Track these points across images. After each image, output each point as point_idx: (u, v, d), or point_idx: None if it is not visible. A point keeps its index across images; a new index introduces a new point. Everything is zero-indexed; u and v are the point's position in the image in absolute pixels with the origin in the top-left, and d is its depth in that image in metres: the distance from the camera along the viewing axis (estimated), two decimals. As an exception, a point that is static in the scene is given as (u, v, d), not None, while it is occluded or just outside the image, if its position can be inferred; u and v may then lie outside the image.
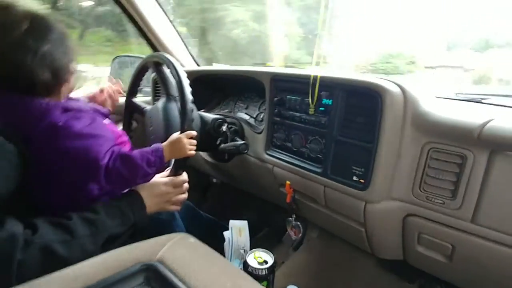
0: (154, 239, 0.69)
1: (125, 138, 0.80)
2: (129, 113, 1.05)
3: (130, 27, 1.40)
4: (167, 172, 0.80)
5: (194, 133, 0.77)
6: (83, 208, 0.63)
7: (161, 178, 0.78)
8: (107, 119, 0.76)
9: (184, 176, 0.80)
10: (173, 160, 0.80)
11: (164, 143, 0.74)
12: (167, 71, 0.95)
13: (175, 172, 0.79)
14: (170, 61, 0.85)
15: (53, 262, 0.54)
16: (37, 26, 0.60)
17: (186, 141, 0.75)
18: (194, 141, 0.77)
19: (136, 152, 0.70)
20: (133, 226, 0.67)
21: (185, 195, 0.81)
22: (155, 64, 0.94)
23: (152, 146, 0.73)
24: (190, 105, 0.79)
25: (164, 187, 0.75)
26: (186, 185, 0.80)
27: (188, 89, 0.80)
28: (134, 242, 0.69)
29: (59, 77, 0.63)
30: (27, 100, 0.60)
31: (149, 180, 0.73)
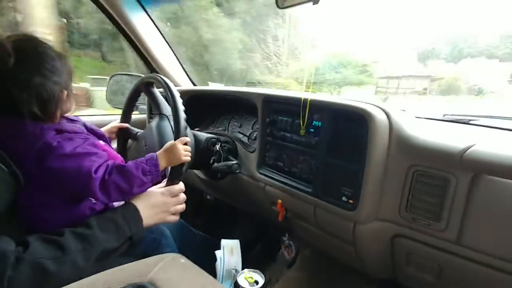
0: (145, 259, 0.69)
1: (120, 158, 0.81)
2: (123, 140, 1.06)
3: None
4: (164, 182, 0.79)
5: (187, 139, 0.78)
6: (77, 223, 0.63)
7: (158, 188, 0.77)
8: (101, 141, 0.78)
9: (181, 185, 0.79)
10: (169, 170, 0.80)
11: (159, 152, 0.75)
12: (157, 92, 0.98)
13: (172, 181, 0.78)
14: (162, 80, 0.88)
15: (44, 279, 0.54)
16: (26, 58, 0.60)
17: (180, 146, 0.76)
18: (189, 147, 0.78)
19: (130, 162, 0.71)
20: (130, 239, 0.66)
21: (183, 205, 0.79)
22: (146, 86, 0.98)
23: (146, 155, 0.73)
24: (183, 114, 0.81)
25: (161, 197, 0.74)
26: (183, 194, 0.79)
27: (179, 100, 0.83)
28: (124, 261, 0.70)
29: (48, 108, 0.63)
30: (22, 124, 0.61)
31: (145, 190, 0.72)
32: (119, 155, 0.81)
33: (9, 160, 0.60)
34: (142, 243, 0.88)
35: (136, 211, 0.69)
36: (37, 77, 0.61)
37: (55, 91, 0.63)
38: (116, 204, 0.80)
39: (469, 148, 0.61)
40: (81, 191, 0.66)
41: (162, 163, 0.74)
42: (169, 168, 0.79)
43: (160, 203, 0.74)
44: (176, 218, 0.78)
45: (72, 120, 0.75)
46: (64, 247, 0.57)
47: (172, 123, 0.96)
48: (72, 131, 0.68)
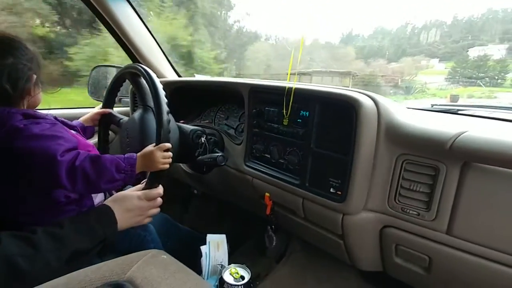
0: (124, 257, 0.66)
1: (94, 149, 0.78)
2: (105, 125, 1.01)
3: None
4: (142, 185, 0.77)
5: (168, 145, 0.75)
6: (50, 222, 0.61)
7: (135, 191, 0.75)
8: (73, 130, 0.74)
9: (159, 189, 0.77)
10: (149, 172, 0.77)
11: (139, 153, 0.72)
12: (143, 81, 0.93)
13: (150, 185, 0.76)
14: (145, 71, 0.83)
15: (15, 275, 0.52)
16: (2, 42, 0.65)
17: (159, 154, 0.73)
18: (169, 154, 0.75)
19: (107, 155, 0.69)
20: (103, 241, 0.64)
21: (158, 209, 0.77)
22: (131, 75, 0.92)
23: (127, 154, 0.71)
24: (166, 116, 0.76)
25: (137, 201, 0.72)
26: (159, 199, 0.77)
27: (163, 100, 0.77)
28: (105, 257, 0.68)
29: (19, 86, 0.65)
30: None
31: (116, 187, 0.71)
32: (91, 144, 0.77)
33: None
34: (125, 239, 0.85)
35: (111, 213, 0.67)
36: (10, 58, 0.64)
37: (25, 70, 0.66)
38: (93, 195, 0.77)
39: (459, 136, 0.59)
40: (46, 175, 0.63)
41: (139, 167, 0.71)
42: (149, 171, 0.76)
43: (135, 207, 0.71)
44: (150, 220, 0.76)
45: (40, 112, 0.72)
46: (36, 245, 0.55)
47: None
48: (39, 116, 0.67)
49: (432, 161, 0.63)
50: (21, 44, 0.67)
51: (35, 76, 0.69)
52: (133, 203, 0.71)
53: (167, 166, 0.74)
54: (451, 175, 0.62)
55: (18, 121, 0.62)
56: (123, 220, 0.68)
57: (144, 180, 0.77)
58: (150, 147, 0.73)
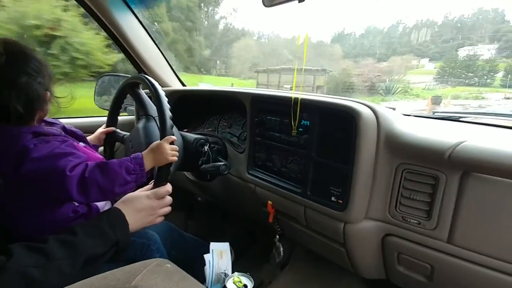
0: (130, 266, 0.67)
1: (102, 159, 0.79)
2: (110, 143, 1.03)
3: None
4: (150, 185, 0.77)
5: (174, 137, 0.76)
6: (61, 230, 0.62)
7: (143, 191, 0.75)
8: (81, 143, 0.76)
9: (167, 187, 0.77)
10: (155, 171, 0.77)
11: (145, 151, 0.73)
12: (143, 93, 0.96)
13: (158, 183, 0.76)
14: (144, 77, 0.86)
15: (30, 287, 0.52)
16: (15, 58, 0.63)
17: (167, 146, 0.74)
18: (176, 147, 0.76)
19: (114, 160, 0.69)
20: (116, 245, 0.64)
21: (169, 208, 0.77)
22: (131, 87, 0.95)
23: (132, 155, 0.72)
24: (168, 113, 0.79)
25: (147, 200, 0.72)
26: (169, 197, 0.77)
27: (164, 99, 0.81)
28: (117, 263, 0.68)
29: (33, 108, 0.65)
30: (12, 129, 0.62)
31: (129, 190, 0.70)
32: (100, 157, 0.79)
33: None
34: (130, 249, 0.86)
35: (121, 215, 0.67)
36: (24, 77, 0.63)
37: (40, 90, 0.66)
38: (100, 205, 0.79)
39: (458, 145, 0.60)
40: (57, 193, 0.64)
41: (148, 163, 0.72)
42: (156, 169, 0.77)
43: (146, 207, 0.71)
44: (162, 219, 0.76)
45: (50, 123, 0.74)
46: (49, 254, 0.55)
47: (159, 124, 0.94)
48: (49, 133, 0.67)
49: (431, 170, 0.64)
50: (33, 57, 0.66)
51: (48, 94, 0.69)
52: (142, 203, 0.71)
53: (176, 158, 0.75)
54: (450, 184, 0.62)
55: (28, 140, 0.63)
56: (135, 221, 0.68)
57: (152, 180, 0.78)
58: (156, 142, 0.75)
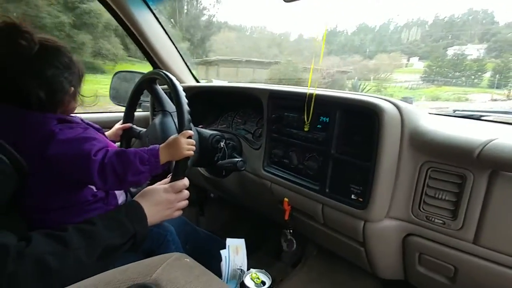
0: (149, 259, 0.67)
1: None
2: (127, 139, 1.04)
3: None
4: (168, 179, 0.78)
5: (191, 132, 0.77)
6: (77, 221, 0.63)
7: (161, 185, 0.76)
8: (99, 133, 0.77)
9: (185, 180, 0.77)
10: (173, 165, 0.78)
11: (161, 145, 0.74)
12: (159, 88, 0.97)
13: (175, 177, 0.76)
14: (162, 73, 0.87)
15: (46, 274, 0.52)
16: (47, 51, 0.65)
17: (183, 140, 0.74)
18: (192, 141, 0.77)
19: (131, 149, 0.71)
20: (134, 237, 0.65)
21: (186, 202, 0.78)
22: (148, 83, 0.96)
23: (150, 146, 0.73)
24: (186, 107, 0.80)
25: (164, 194, 0.73)
26: (186, 191, 0.77)
27: (182, 94, 0.81)
28: (134, 253, 0.68)
29: (55, 98, 0.67)
30: (25, 113, 0.64)
31: (143, 179, 0.71)
32: (117, 146, 0.80)
33: (12, 150, 0.60)
34: (148, 239, 0.86)
35: (140, 208, 0.68)
36: (52, 69, 0.65)
37: (64, 84, 0.67)
38: (117, 192, 0.80)
39: (488, 143, 0.58)
40: (80, 175, 0.66)
41: (164, 157, 0.72)
42: (173, 163, 0.77)
43: (163, 200, 0.72)
44: (180, 213, 0.77)
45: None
46: (67, 242, 0.56)
47: (175, 119, 0.94)
48: (73, 121, 0.70)
49: (458, 169, 0.62)
50: (67, 56, 0.68)
51: (72, 89, 0.70)
52: (160, 196, 0.72)
53: (192, 152, 0.76)
54: (478, 183, 0.60)
55: (54, 125, 0.65)
56: (152, 214, 0.69)
57: (170, 174, 0.79)
58: (173, 136, 0.75)
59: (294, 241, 1.05)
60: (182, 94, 0.81)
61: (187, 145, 0.75)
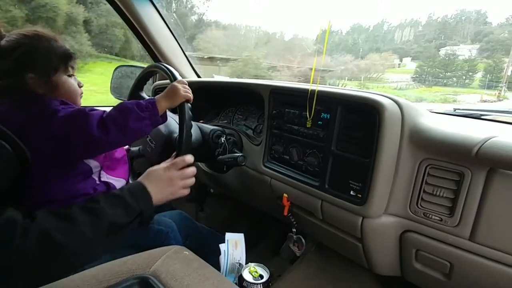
0: (149, 252, 0.68)
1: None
2: None
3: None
4: (171, 159, 0.77)
5: (185, 81, 0.80)
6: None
7: (163, 163, 0.75)
8: None
9: (188, 156, 0.76)
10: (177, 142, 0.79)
11: (158, 96, 0.76)
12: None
13: (179, 153, 0.76)
14: (161, 65, 0.88)
15: (52, 249, 0.52)
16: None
17: (179, 85, 0.77)
18: (188, 88, 0.79)
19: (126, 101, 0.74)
20: (140, 215, 0.64)
21: (193, 179, 0.76)
22: (145, 80, 0.98)
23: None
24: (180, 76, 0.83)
25: (165, 171, 0.72)
26: (191, 168, 0.76)
27: (179, 77, 0.83)
28: (136, 248, 0.69)
29: (44, 77, 0.72)
30: (31, 96, 0.70)
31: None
32: None
33: (15, 138, 0.61)
34: (149, 236, 0.87)
35: (143, 187, 0.68)
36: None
37: (46, 62, 0.73)
38: (116, 185, 0.82)
39: (486, 141, 0.59)
40: (80, 136, 0.67)
41: (163, 105, 0.74)
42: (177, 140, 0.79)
43: (165, 178, 0.72)
44: (186, 191, 0.75)
45: None
46: (72, 218, 0.56)
47: (175, 117, 0.95)
48: (74, 103, 0.76)
49: (457, 166, 0.63)
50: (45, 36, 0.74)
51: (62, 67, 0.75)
52: (161, 174, 0.72)
53: (190, 95, 0.78)
54: (476, 181, 0.61)
55: (57, 106, 0.69)
56: (156, 193, 0.68)
57: (173, 154, 0.79)
58: (168, 86, 0.78)
59: (303, 241, 1.04)
60: (176, 72, 0.84)
61: (184, 89, 0.77)
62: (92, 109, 0.70)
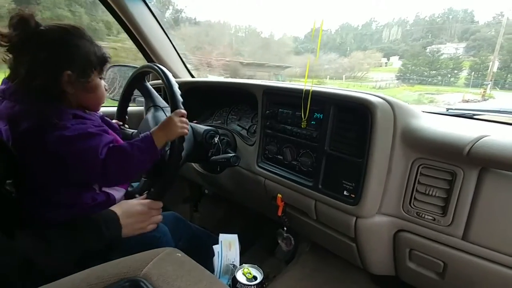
0: (140, 254, 0.67)
1: None
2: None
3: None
4: (144, 196, 0.81)
5: (183, 111, 0.78)
6: (77, 216, 0.66)
7: (137, 199, 0.78)
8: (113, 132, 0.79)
9: (160, 203, 0.80)
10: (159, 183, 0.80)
11: (153, 129, 0.74)
12: (148, 85, 0.98)
13: (154, 196, 0.79)
14: (153, 65, 0.88)
15: (27, 270, 0.54)
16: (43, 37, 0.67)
17: (176, 119, 0.75)
18: (186, 120, 0.78)
19: (125, 142, 0.72)
20: (109, 243, 0.67)
21: (160, 217, 0.81)
22: (138, 81, 0.97)
23: (141, 135, 0.74)
24: (178, 90, 0.81)
25: (139, 206, 0.75)
26: (160, 203, 0.81)
27: (173, 79, 0.82)
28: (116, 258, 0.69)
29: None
30: (43, 104, 0.66)
31: (146, 168, 0.73)
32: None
33: (4, 142, 0.61)
34: (141, 243, 0.86)
35: (116, 217, 0.70)
36: (45, 52, 0.67)
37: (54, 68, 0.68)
38: (117, 197, 0.81)
39: (478, 141, 0.59)
40: (84, 174, 0.67)
41: (160, 140, 0.73)
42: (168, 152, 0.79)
43: (137, 213, 0.75)
44: (153, 227, 0.79)
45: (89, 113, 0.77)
46: (50, 241, 0.59)
47: (167, 114, 0.94)
48: (85, 117, 0.71)
49: (449, 166, 0.63)
50: (62, 36, 0.69)
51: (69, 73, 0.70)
52: (135, 208, 0.75)
53: (187, 131, 0.77)
54: (468, 180, 0.61)
55: (68, 120, 0.66)
56: (127, 226, 0.72)
57: (146, 192, 0.81)
58: (166, 118, 0.76)
59: (292, 239, 1.05)
60: (173, 79, 0.82)
61: (181, 123, 0.76)
62: (100, 134, 0.68)
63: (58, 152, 0.63)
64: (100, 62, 0.74)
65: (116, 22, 1.32)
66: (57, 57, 0.67)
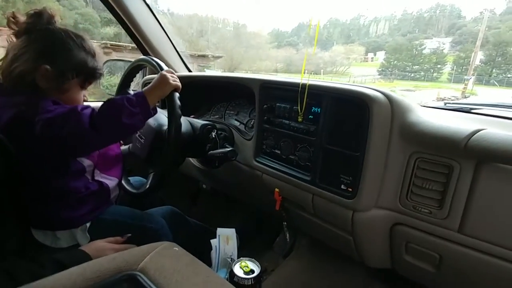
0: (137, 248, 0.67)
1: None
2: None
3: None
4: (114, 238, 0.80)
5: (171, 70, 0.80)
6: (71, 204, 0.69)
7: (110, 243, 0.78)
8: None
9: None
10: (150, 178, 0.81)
11: (146, 88, 0.75)
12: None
13: (150, 187, 0.81)
14: (149, 58, 0.88)
15: None
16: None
17: (168, 74, 0.77)
18: (177, 78, 0.79)
19: (117, 96, 0.73)
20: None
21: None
22: (133, 74, 0.97)
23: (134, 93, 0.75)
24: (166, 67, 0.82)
25: (109, 251, 0.75)
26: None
27: (164, 66, 0.83)
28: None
29: (60, 76, 0.72)
30: (23, 95, 0.68)
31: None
32: None
33: (4, 142, 0.62)
34: (139, 234, 0.87)
35: (87, 257, 0.70)
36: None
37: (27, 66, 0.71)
38: (111, 186, 0.82)
39: (474, 134, 0.59)
40: (75, 139, 0.66)
41: (152, 96, 0.74)
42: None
43: (104, 249, 0.74)
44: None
45: None
46: (15, 279, 0.59)
47: (164, 112, 0.93)
48: (65, 103, 0.72)
49: (446, 159, 0.63)
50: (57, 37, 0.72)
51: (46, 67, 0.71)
52: (105, 254, 0.73)
53: (179, 84, 0.78)
54: (465, 173, 0.61)
55: (48, 104, 0.68)
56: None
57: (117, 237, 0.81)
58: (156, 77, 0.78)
59: (287, 234, 1.06)
60: (165, 67, 0.83)
61: (172, 77, 0.77)
62: (84, 107, 0.69)
63: (44, 134, 0.64)
64: (87, 74, 0.75)
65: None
66: (43, 50, 0.69)
